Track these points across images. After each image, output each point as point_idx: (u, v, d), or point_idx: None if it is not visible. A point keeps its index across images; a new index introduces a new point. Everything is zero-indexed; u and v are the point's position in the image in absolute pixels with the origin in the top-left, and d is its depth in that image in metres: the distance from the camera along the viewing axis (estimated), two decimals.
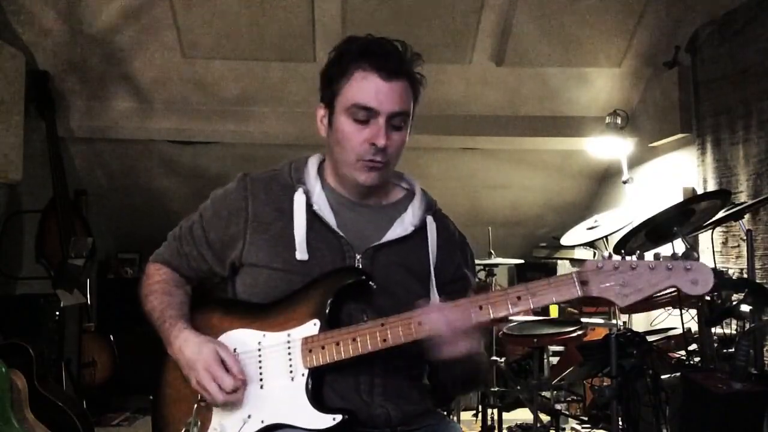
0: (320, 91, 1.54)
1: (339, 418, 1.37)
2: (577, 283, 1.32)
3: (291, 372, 1.42)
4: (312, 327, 1.43)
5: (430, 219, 1.58)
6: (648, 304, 3.05)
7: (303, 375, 1.41)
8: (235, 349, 1.47)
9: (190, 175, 4.86)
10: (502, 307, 1.34)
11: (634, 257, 1.32)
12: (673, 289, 1.31)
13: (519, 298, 1.34)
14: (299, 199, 1.51)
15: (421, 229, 1.56)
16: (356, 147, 1.47)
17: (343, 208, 1.54)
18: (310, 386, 1.41)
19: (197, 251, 1.58)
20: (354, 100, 1.45)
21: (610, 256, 1.34)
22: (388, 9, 3.95)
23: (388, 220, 1.55)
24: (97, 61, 4.15)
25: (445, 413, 1.68)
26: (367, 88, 1.44)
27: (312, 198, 1.52)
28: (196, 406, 1.46)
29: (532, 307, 1.34)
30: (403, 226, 1.54)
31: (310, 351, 1.41)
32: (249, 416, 1.42)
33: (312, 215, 1.50)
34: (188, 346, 1.45)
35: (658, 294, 1.32)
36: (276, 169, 1.59)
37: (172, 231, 1.66)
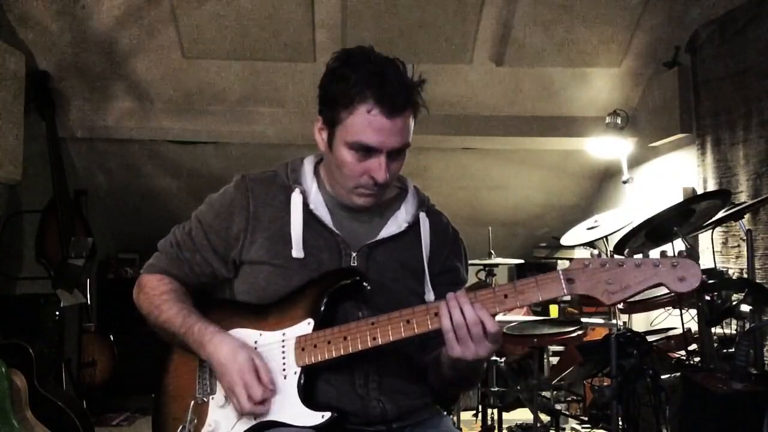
0: (318, 101, 1.49)
1: (328, 415, 1.38)
2: (563, 281, 1.31)
3: (284, 370, 1.43)
4: (306, 326, 1.44)
5: (423, 215, 1.59)
6: (648, 304, 3.06)
7: (295, 373, 1.42)
8: None
9: (190, 175, 4.86)
10: (489, 305, 1.33)
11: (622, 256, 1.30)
12: (663, 289, 1.29)
13: (506, 296, 1.33)
14: (296, 199, 1.52)
15: (414, 226, 1.57)
16: (355, 177, 1.46)
17: (338, 208, 1.55)
18: (302, 384, 1.41)
19: (200, 256, 1.56)
20: (356, 138, 1.41)
21: (599, 254, 1.33)
22: (388, 9, 3.95)
23: (382, 218, 1.57)
24: (97, 61, 4.15)
25: (445, 413, 1.66)
26: (371, 127, 1.40)
27: (309, 198, 1.53)
28: (192, 402, 1.47)
29: (518, 305, 1.33)
30: (397, 224, 1.56)
31: (303, 349, 1.42)
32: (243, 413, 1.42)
33: (309, 215, 1.51)
34: (223, 348, 1.42)
35: (645, 291, 1.29)
36: (273, 170, 1.59)
37: (163, 240, 1.62)
